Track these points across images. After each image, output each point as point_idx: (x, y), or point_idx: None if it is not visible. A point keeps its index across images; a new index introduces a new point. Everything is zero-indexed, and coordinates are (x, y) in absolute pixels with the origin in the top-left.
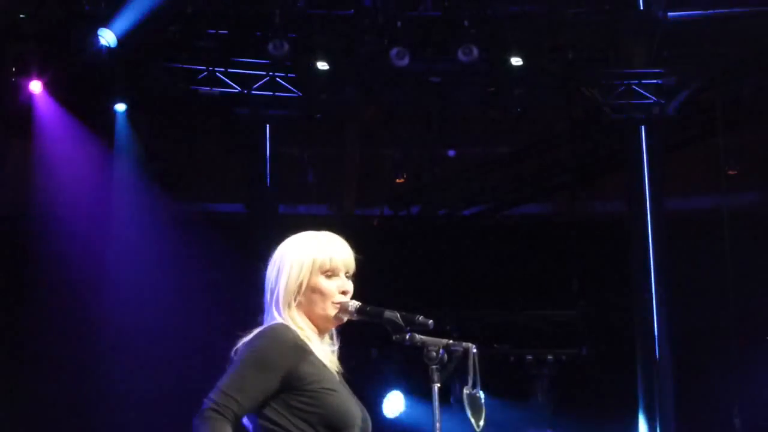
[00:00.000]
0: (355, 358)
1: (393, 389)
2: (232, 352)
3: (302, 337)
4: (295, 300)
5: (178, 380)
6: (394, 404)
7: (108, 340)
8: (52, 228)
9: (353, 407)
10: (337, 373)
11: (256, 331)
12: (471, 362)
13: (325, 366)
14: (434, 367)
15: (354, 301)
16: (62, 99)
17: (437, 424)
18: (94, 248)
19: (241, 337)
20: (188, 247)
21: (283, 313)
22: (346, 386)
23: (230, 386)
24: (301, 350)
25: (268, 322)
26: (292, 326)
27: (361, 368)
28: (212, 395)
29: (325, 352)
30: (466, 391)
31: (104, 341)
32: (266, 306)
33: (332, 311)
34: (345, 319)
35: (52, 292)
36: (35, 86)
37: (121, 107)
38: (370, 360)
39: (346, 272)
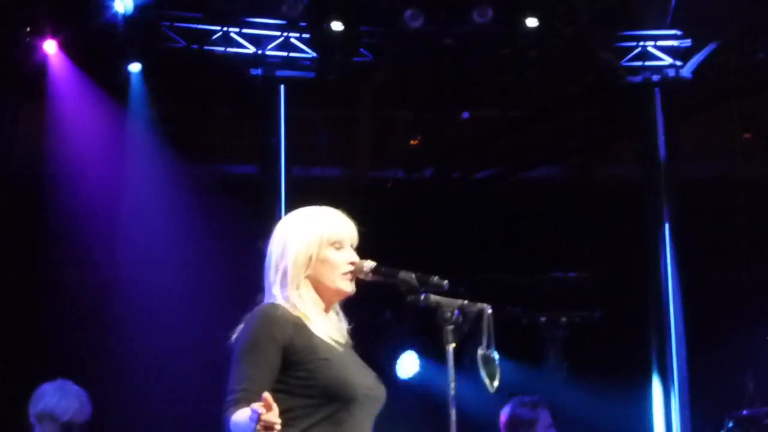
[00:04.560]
0: (369, 319)
1: (407, 350)
2: (232, 340)
3: (295, 313)
4: (304, 273)
5: (191, 341)
6: (409, 365)
7: (121, 300)
8: (66, 189)
9: (353, 377)
10: (344, 345)
11: (247, 316)
12: (485, 323)
13: (321, 339)
14: (449, 327)
15: (369, 261)
16: (77, 59)
17: (452, 384)
18: (108, 209)
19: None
20: (201, 208)
21: (290, 286)
22: (354, 357)
23: (236, 381)
24: (292, 324)
25: (266, 301)
26: (287, 304)
27: (374, 330)
28: (226, 398)
29: (327, 326)
30: (480, 351)
31: (117, 302)
32: (268, 283)
33: (340, 283)
34: (351, 292)
35: (66, 253)
36: (50, 46)
37: (135, 68)
38: (384, 321)
39: (351, 245)
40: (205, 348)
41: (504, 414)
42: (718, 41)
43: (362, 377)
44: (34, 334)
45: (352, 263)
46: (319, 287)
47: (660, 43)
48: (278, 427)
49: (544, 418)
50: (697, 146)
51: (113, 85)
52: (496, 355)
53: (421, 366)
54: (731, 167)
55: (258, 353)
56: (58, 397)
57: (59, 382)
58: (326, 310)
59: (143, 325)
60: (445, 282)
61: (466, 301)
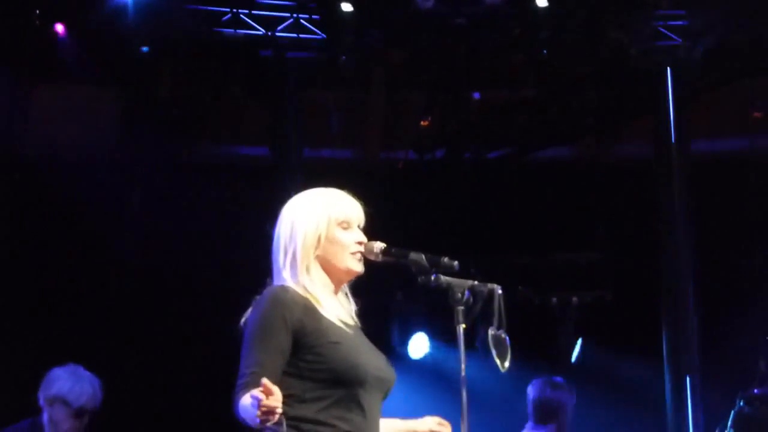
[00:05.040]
0: (380, 300)
1: (418, 331)
2: (242, 323)
3: (305, 296)
4: (313, 254)
5: (202, 325)
6: (419, 346)
7: (131, 284)
8: (77, 173)
9: (363, 360)
10: (353, 328)
11: (256, 299)
12: (496, 303)
13: (331, 322)
14: (459, 308)
15: (379, 242)
16: (86, 42)
17: (463, 365)
18: (120, 192)
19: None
20: (212, 190)
21: (300, 269)
22: (364, 340)
23: (246, 365)
24: (302, 306)
25: (275, 284)
26: (297, 286)
27: (386, 310)
28: (236, 381)
29: (337, 308)
30: (491, 332)
31: (127, 285)
32: (277, 267)
33: (351, 262)
34: (360, 271)
35: (76, 236)
36: (60, 29)
37: (144, 50)
38: (395, 302)
39: (358, 225)
40: (214, 332)
41: (533, 395)
42: (729, 21)
43: (372, 360)
44: (44, 317)
45: (360, 242)
46: (328, 268)
47: (671, 22)
48: (279, 411)
49: (572, 399)
50: (709, 125)
51: (124, 68)
52: (506, 336)
53: (432, 346)
54: (743, 145)
55: (268, 336)
56: (72, 383)
57: (71, 367)
58: (335, 292)
59: (153, 308)
60: (456, 263)
61: (476, 282)
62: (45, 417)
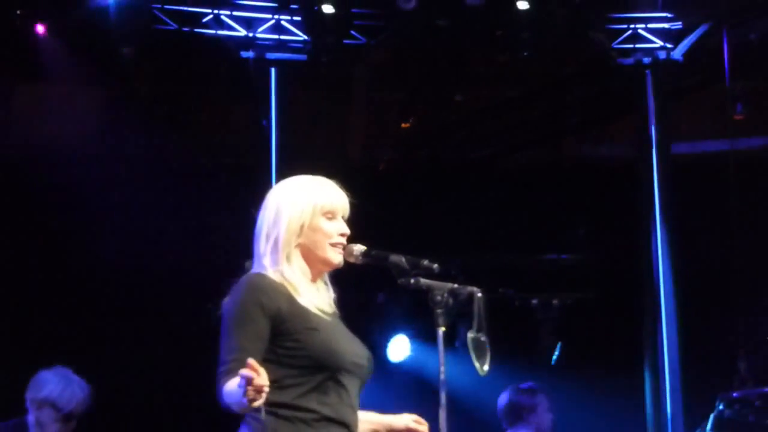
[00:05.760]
0: (361, 302)
1: (398, 333)
2: (220, 311)
3: (283, 282)
4: (295, 242)
5: (182, 325)
6: (400, 348)
7: (116, 281)
8: (59, 172)
9: (341, 346)
10: (331, 315)
11: (234, 286)
12: (476, 306)
13: (308, 309)
14: (439, 311)
15: (359, 244)
16: (68, 42)
17: (442, 368)
18: (102, 190)
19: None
20: (194, 190)
21: (281, 256)
22: (342, 327)
23: (227, 352)
24: (279, 293)
25: (254, 269)
26: (275, 273)
27: (366, 312)
28: (218, 369)
29: (315, 296)
30: (470, 335)
31: (111, 282)
32: (258, 253)
33: (331, 253)
34: (339, 263)
35: (58, 237)
36: (41, 29)
37: (127, 51)
38: (376, 304)
39: (342, 216)
40: (198, 327)
41: (502, 401)
42: (709, 23)
43: (350, 346)
44: (26, 317)
45: (343, 234)
46: (308, 256)
47: (651, 25)
48: (267, 389)
49: (544, 403)
50: (690, 127)
51: (105, 68)
52: (486, 339)
53: (413, 349)
54: (724, 147)
55: (247, 322)
56: (62, 387)
57: (61, 370)
58: (313, 280)
59: (133, 306)
60: (436, 265)
61: (456, 285)
62: (31, 418)
